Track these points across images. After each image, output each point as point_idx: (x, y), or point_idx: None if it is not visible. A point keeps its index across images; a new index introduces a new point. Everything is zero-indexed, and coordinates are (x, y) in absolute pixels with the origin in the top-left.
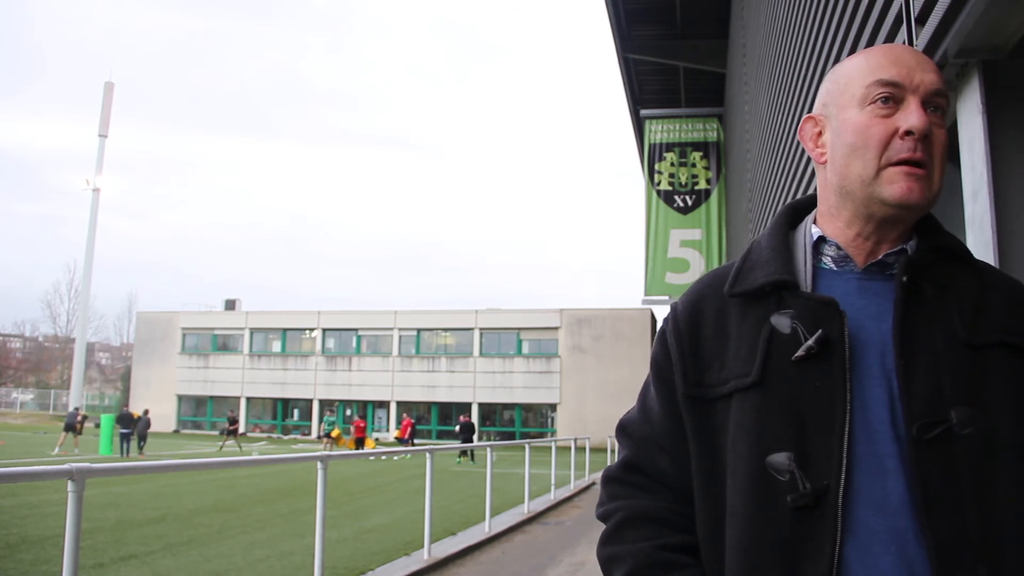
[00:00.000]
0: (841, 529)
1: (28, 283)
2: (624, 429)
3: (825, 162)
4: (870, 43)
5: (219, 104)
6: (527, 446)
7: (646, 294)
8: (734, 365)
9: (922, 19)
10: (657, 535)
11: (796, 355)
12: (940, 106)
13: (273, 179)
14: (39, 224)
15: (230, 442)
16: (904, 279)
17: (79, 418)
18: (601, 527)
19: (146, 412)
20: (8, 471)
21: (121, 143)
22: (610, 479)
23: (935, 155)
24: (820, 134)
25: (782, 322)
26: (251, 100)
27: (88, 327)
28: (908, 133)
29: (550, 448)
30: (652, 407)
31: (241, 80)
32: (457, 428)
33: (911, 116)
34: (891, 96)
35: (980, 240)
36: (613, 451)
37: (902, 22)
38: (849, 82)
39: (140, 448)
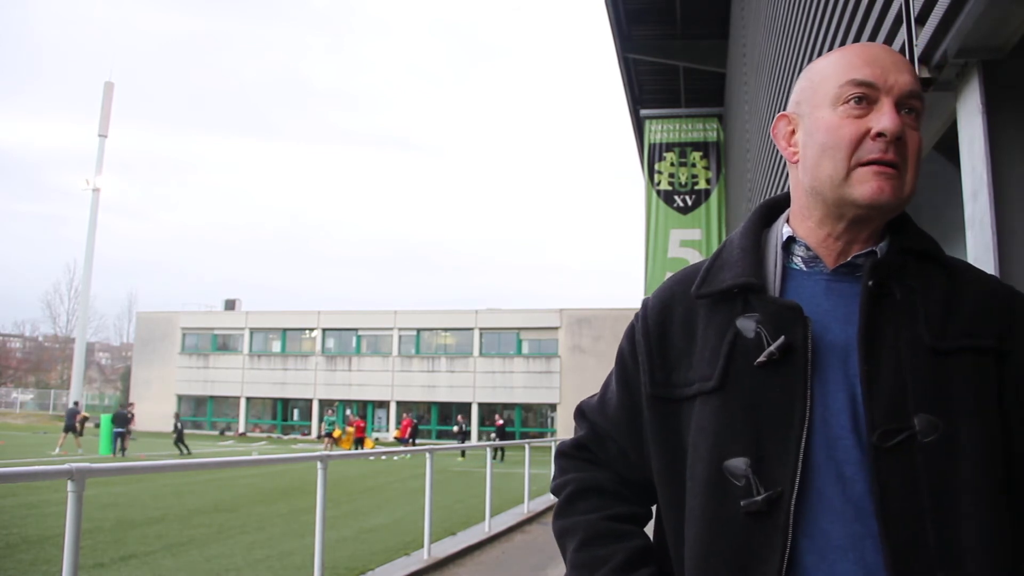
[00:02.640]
0: (798, 535)
1: (28, 283)
2: (582, 413)
3: (797, 161)
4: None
5: (219, 104)
6: (527, 446)
7: (646, 294)
8: (699, 367)
9: (922, 19)
10: (604, 506)
11: (758, 360)
12: (914, 108)
13: (273, 179)
14: (39, 224)
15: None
16: (870, 283)
17: (80, 417)
18: None
19: (130, 406)
20: (8, 471)
21: (121, 143)
22: (561, 454)
23: (908, 157)
24: (793, 133)
25: (747, 325)
26: (251, 100)
27: (88, 327)
28: (880, 135)
29: (550, 448)
30: (610, 399)
31: (241, 80)
32: (495, 430)
33: (883, 118)
34: (864, 96)
35: (980, 240)
36: None
37: (902, 22)
38: (823, 81)
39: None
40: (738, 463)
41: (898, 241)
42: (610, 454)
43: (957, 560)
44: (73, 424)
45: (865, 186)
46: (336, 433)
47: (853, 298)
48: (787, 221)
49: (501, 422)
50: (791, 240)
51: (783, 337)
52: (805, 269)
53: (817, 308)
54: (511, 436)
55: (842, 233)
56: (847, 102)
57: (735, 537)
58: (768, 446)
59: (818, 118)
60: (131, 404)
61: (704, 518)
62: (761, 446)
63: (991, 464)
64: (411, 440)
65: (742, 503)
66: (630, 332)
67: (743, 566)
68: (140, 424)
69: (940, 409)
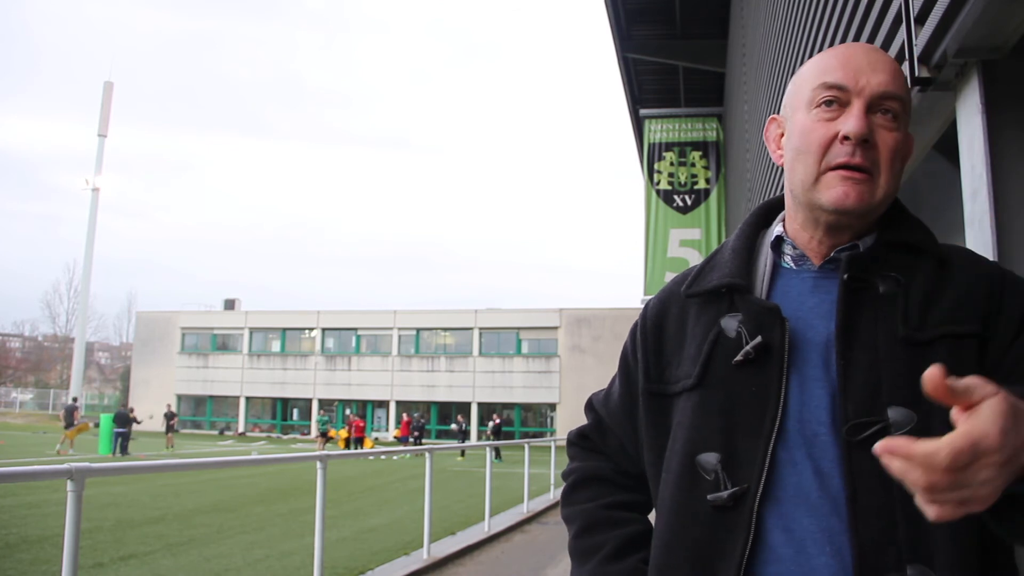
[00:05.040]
0: (776, 529)
1: (28, 283)
2: (590, 404)
3: (783, 164)
4: (869, 42)
5: (219, 104)
6: (527, 446)
7: (646, 294)
8: (685, 365)
9: (921, 19)
10: (602, 494)
11: (735, 359)
12: (892, 109)
13: (273, 179)
14: (38, 224)
15: None
16: (845, 276)
17: (77, 415)
18: None
19: (131, 411)
20: (8, 471)
21: (120, 143)
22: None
23: (880, 160)
24: (781, 135)
25: (729, 325)
26: (251, 100)
27: (88, 327)
28: (846, 138)
29: (550, 448)
30: (613, 394)
31: (241, 80)
32: (490, 429)
33: (850, 120)
34: (835, 99)
35: (979, 239)
36: None
37: (901, 22)
38: (801, 84)
39: (123, 448)
40: (709, 458)
41: (885, 235)
42: (611, 446)
43: (927, 554)
44: (72, 421)
45: (831, 191)
46: (331, 433)
47: (836, 294)
48: (782, 221)
49: (498, 421)
50: (780, 239)
51: (759, 337)
52: (794, 267)
53: (802, 305)
54: (508, 435)
55: (823, 236)
56: (819, 106)
57: (700, 529)
58: (739, 443)
59: (795, 121)
60: (173, 411)
61: (673, 509)
62: (732, 443)
63: None
64: (418, 440)
65: (709, 497)
66: (633, 330)
67: (706, 557)
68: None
69: (915, 401)
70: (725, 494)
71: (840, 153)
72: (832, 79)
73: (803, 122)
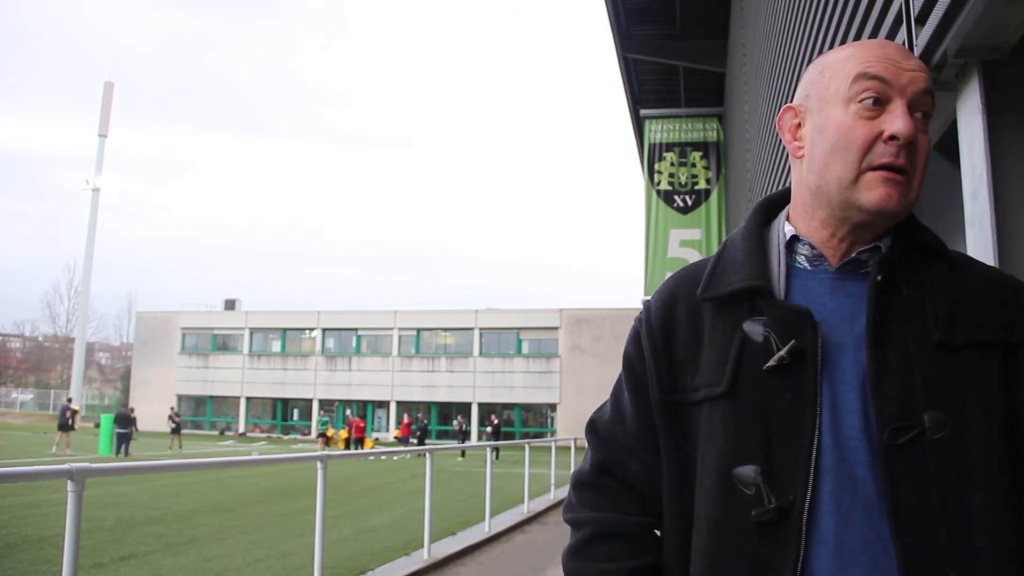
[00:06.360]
0: (810, 541)
1: (28, 283)
2: (595, 428)
3: (802, 156)
4: None
5: (219, 104)
6: (527, 446)
7: (646, 294)
8: (706, 372)
9: (922, 19)
10: (625, 555)
11: (767, 365)
12: (927, 108)
13: (273, 179)
14: (39, 224)
15: None
16: (879, 278)
17: (69, 413)
18: None
19: (131, 411)
20: (8, 471)
21: (120, 143)
22: (580, 483)
23: (917, 162)
24: (799, 126)
25: (755, 329)
26: (251, 100)
27: (88, 327)
28: (893, 137)
29: (550, 448)
30: (625, 408)
31: (241, 80)
32: (490, 429)
33: (897, 120)
34: (878, 97)
35: (980, 240)
36: None
37: (902, 22)
38: (835, 76)
39: (124, 449)
40: (747, 471)
41: (902, 237)
42: (631, 472)
43: (969, 559)
44: (65, 422)
45: (873, 192)
46: (329, 432)
47: (858, 296)
48: (787, 218)
49: (496, 422)
50: (794, 239)
51: (793, 341)
52: (809, 268)
53: (823, 308)
54: (509, 436)
55: (846, 235)
56: (861, 101)
57: (746, 547)
58: (778, 453)
59: (829, 115)
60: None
61: (713, 528)
62: (771, 453)
63: (1001, 461)
64: (421, 440)
65: (753, 512)
66: (635, 336)
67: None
68: (139, 424)
69: (948, 406)
70: (772, 507)
71: (884, 153)
72: (873, 70)
73: (841, 118)
